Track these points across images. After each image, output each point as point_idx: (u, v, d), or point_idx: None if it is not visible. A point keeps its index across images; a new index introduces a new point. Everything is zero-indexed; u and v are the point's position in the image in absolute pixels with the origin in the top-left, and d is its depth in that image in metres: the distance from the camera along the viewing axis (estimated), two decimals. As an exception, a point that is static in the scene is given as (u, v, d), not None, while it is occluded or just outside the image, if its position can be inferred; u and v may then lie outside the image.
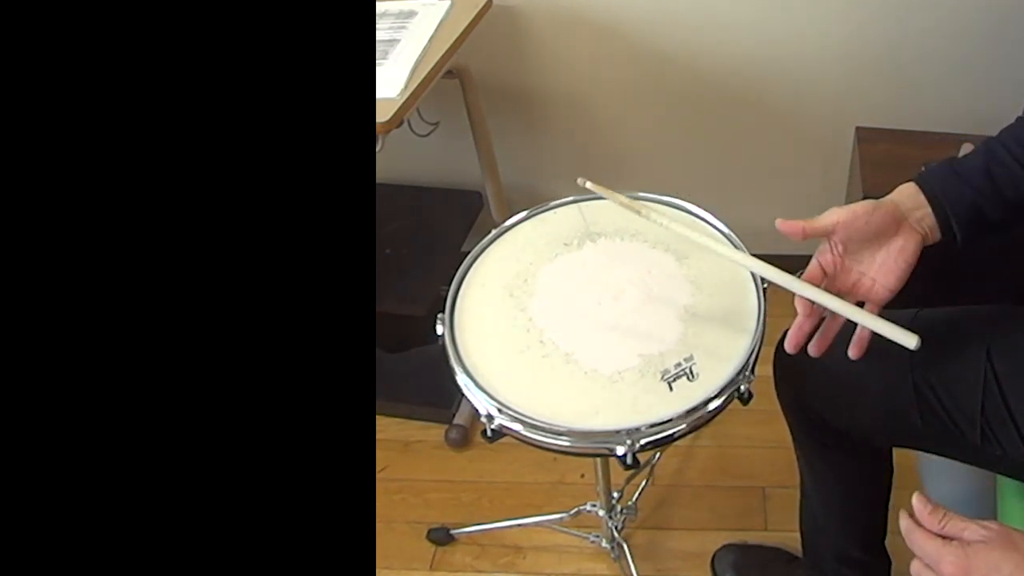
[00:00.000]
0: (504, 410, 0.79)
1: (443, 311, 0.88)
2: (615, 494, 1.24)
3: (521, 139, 1.67)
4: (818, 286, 0.75)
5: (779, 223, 0.75)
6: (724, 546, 1.29)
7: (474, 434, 1.53)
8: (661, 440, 0.77)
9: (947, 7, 1.37)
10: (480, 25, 1.33)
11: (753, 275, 0.88)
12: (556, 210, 1.01)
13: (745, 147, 1.62)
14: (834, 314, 0.75)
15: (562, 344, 0.84)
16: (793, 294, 0.75)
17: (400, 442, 1.56)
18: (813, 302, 0.74)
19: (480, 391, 0.80)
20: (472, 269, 0.94)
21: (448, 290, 0.91)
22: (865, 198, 1.39)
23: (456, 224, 1.59)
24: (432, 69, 1.18)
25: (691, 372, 0.80)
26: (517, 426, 0.79)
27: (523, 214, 1.00)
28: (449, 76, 1.35)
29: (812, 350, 0.78)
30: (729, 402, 0.79)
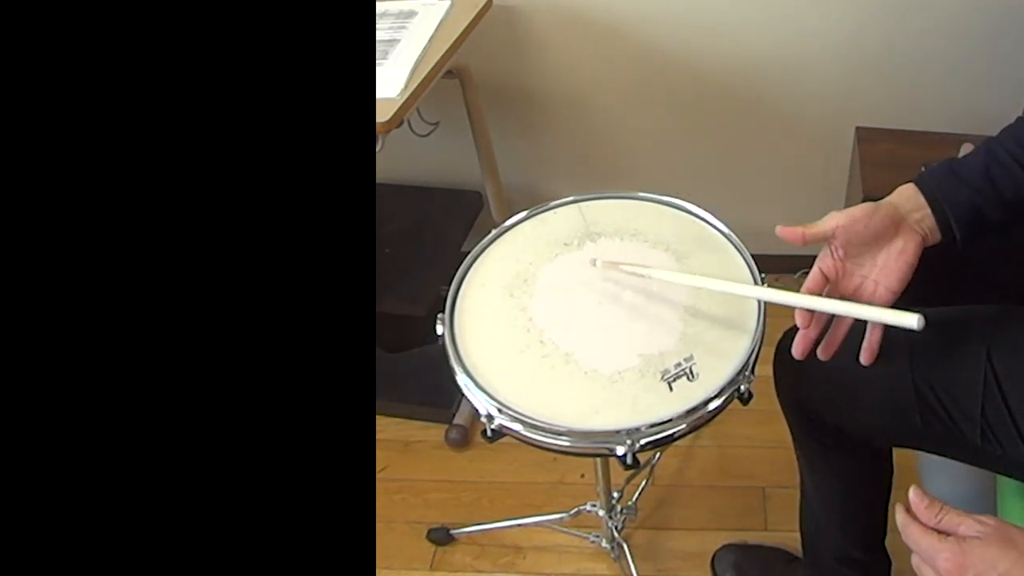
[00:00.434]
0: (504, 410, 0.79)
1: (443, 311, 0.88)
2: (615, 494, 1.24)
3: (521, 139, 1.67)
4: (821, 292, 0.76)
5: (779, 230, 0.75)
6: (724, 546, 1.29)
7: (474, 434, 1.53)
8: (661, 440, 0.77)
9: (947, 7, 1.37)
10: (480, 25, 1.33)
11: (753, 275, 0.88)
12: (556, 210, 1.01)
13: (745, 147, 1.62)
14: (838, 317, 0.76)
15: (562, 344, 0.84)
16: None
17: (400, 442, 1.56)
18: (815, 311, 0.75)
19: (480, 391, 0.80)
20: (472, 269, 0.94)
21: (448, 290, 0.91)
22: (865, 198, 1.40)
23: (456, 224, 1.59)
24: (432, 69, 1.18)
25: (691, 372, 0.80)
26: (517, 426, 0.79)
27: (523, 214, 1.00)
28: (449, 76, 1.35)
29: (821, 354, 0.79)
30: (729, 402, 0.79)
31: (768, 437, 1.45)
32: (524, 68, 1.56)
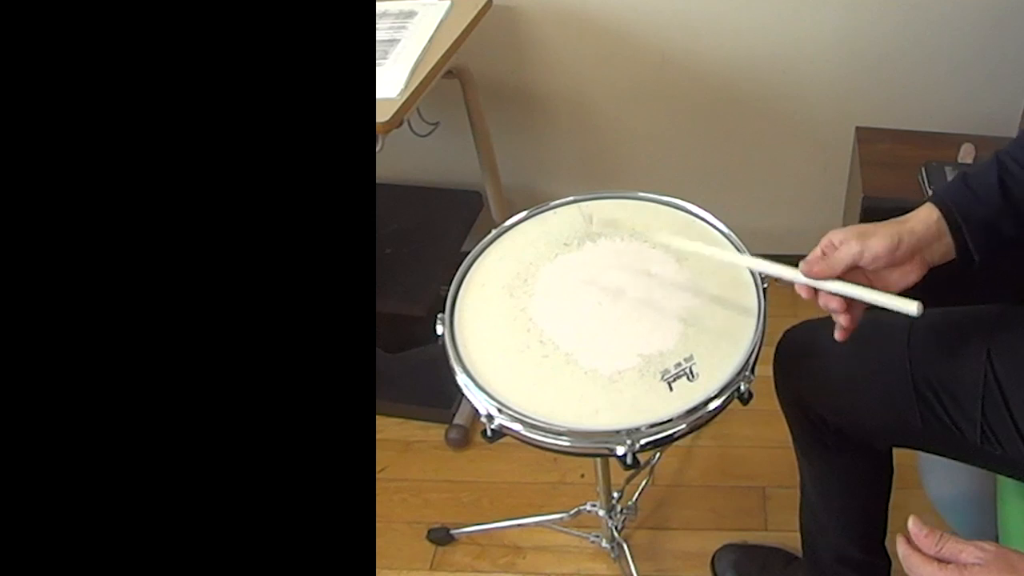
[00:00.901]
0: (504, 410, 0.79)
1: (443, 311, 0.88)
2: (615, 494, 1.24)
3: (521, 139, 1.67)
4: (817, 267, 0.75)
5: (802, 266, 0.75)
6: (724, 546, 1.29)
7: (474, 434, 1.53)
8: (661, 440, 0.77)
9: (947, 7, 1.37)
10: (480, 25, 1.33)
11: (753, 275, 0.88)
12: (556, 210, 1.01)
13: (745, 147, 1.62)
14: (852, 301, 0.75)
15: (562, 344, 0.84)
16: (798, 309, 0.75)
17: (400, 442, 1.56)
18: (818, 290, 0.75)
19: (480, 391, 0.80)
20: (472, 269, 0.94)
21: (448, 290, 0.91)
22: (865, 198, 1.40)
23: (456, 224, 1.59)
24: (432, 69, 1.18)
25: (691, 372, 0.80)
26: (517, 426, 0.79)
27: (523, 214, 1.00)
28: (449, 76, 1.35)
29: (838, 336, 0.77)
30: (729, 402, 0.79)
31: (768, 437, 1.45)
32: (524, 68, 1.56)
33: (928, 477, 1.34)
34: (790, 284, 0.77)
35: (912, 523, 0.62)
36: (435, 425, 1.56)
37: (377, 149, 1.09)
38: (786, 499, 1.36)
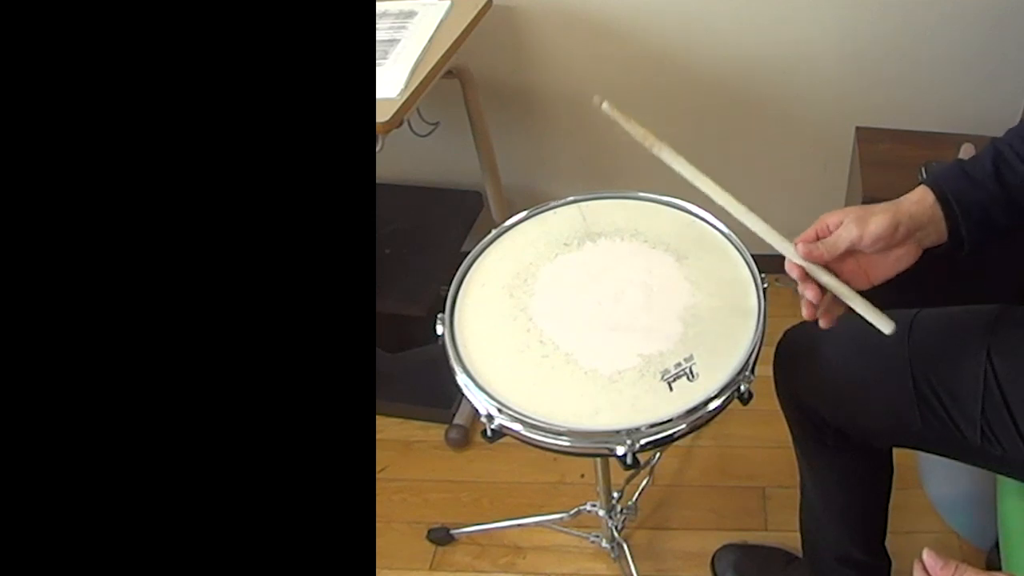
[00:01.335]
0: (504, 410, 0.79)
1: (443, 311, 0.88)
2: (615, 494, 1.24)
3: (521, 139, 1.67)
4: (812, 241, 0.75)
5: (800, 247, 0.74)
6: (724, 546, 1.29)
7: (474, 434, 1.53)
8: (661, 440, 0.77)
9: (947, 8, 1.37)
10: (480, 25, 1.33)
11: (753, 275, 0.88)
12: (556, 210, 1.01)
13: (745, 147, 1.62)
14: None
15: (562, 344, 0.84)
16: (795, 292, 0.75)
17: (400, 442, 1.56)
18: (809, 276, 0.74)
19: (480, 391, 0.80)
20: (472, 269, 0.94)
21: (448, 290, 0.91)
22: (865, 198, 1.40)
23: (456, 224, 1.59)
24: (432, 69, 1.18)
25: (691, 372, 0.80)
26: (517, 426, 0.79)
27: (523, 214, 1.00)
28: (449, 76, 1.35)
29: (822, 323, 0.76)
30: (729, 402, 0.79)
31: (768, 437, 1.45)
32: (524, 68, 1.56)
33: (928, 477, 1.34)
34: (790, 284, 0.77)
35: (927, 555, 0.61)
36: (435, 425, 1.56)
37: (377, 149, 1.09)
38: (786, 499, 1.36)
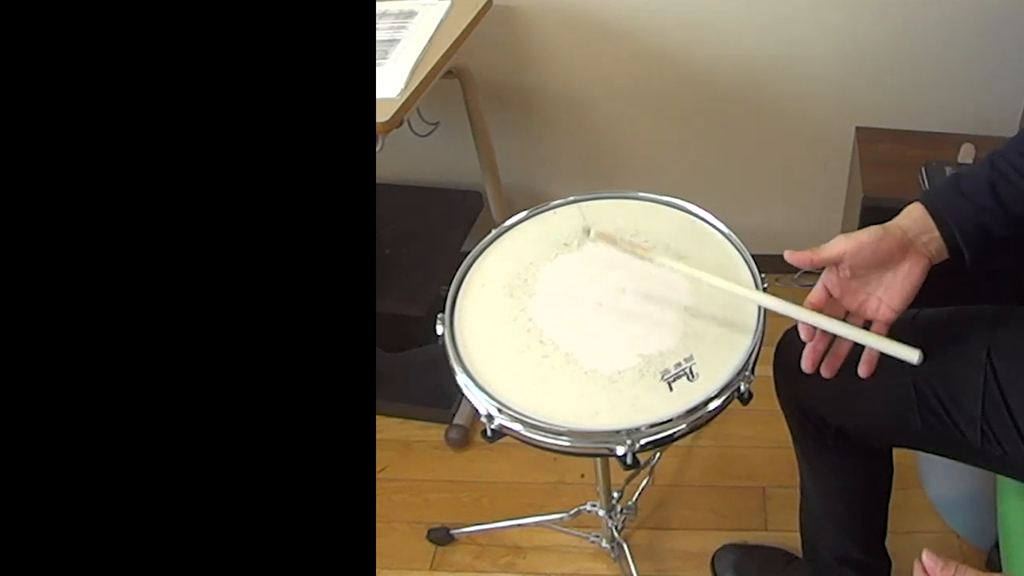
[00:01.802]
0: (504, 410, 0.79)
1: (443, 311, 0.88)
2: (615, 494, 1.24)
3: (521, 139, 1.67)
4: (824, 307, 0.77)
5: (787, 255, 0.76)
6: (724, 546, 1.29)
7: (474, 434, 1.53)
8: (661, 440, 0.77)
9: (947, 8, 1.37)
10: (480, 25, 1.33)
11: (753, 275, 0.88)
12: (556, 210, 1.01)
13: (745, 147, 1.62)
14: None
15: (562, 344, 0.84)
16: (794, 291, 0.75)
17: (400, 442, 1.56)
18: (816, 327, 0.76)
19: (480, 391, 0.80)
20: (472, 269, 0.94)
21: (448, 290, 0.91)
22: (865, 198, 1.40)
23: (456, 224, 1.59)
24: (432, 69, 1.18)
25: (691, 372, 0.80)
26: (517, 426, 0.79)
27: (523, 214, 1.00)
28: (449, 76, 1.35)
29: (824, 372, 0.80)
30: (729, 402, 0.79)
31: (768, 437, 1.45)
32: (524, 68, 1.56)
33: (928, 477, 1.34)
34: (790, 284, 0.77)
35: (927, 557, 0.61)
36: (435, 425, 1.56)
37: (377, 149, 1.09)
38: (786, 499, 1.36)
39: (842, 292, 0.77)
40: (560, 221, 0.99)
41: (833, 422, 0.90)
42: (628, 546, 1.26)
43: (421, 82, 1.16)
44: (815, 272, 0.79)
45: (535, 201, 1.02)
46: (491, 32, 1.46)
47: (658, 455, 1.43)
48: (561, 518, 1.30)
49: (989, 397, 0.77)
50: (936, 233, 0.74)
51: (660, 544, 1.35)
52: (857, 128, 1.49)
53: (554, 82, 1.58)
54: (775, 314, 0.80)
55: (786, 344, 0.93)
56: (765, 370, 0.87)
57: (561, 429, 0.77)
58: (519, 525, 1.36)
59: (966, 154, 1.34)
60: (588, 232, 0.89)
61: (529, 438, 0.79)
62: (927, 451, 0.89)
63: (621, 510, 1.26)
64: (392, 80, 1.15)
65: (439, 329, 0.87)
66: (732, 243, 0.93)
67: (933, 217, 0.74)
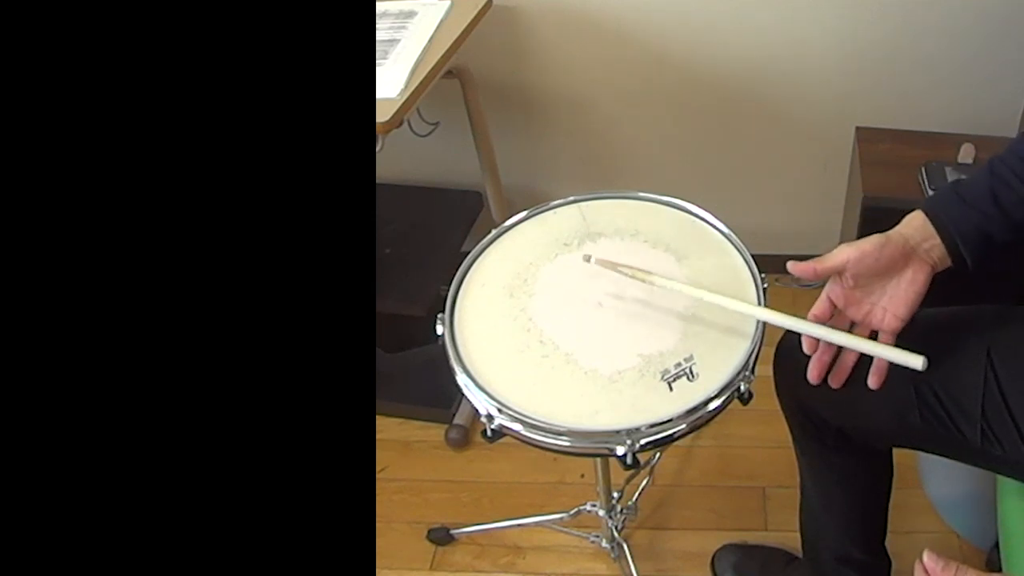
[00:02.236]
0: (504, 410, 0.79)
1: (443, 311, 0.88)
2: (615, 494, 1.24)
3: (521, 139, 1.67)
4: (828, 319, 0.78)
5: (790, 266, 0.76)
6: (724, 546, 1.29)
7: (474, 434, 1.53)
8: (661, 440, 0.77)
9: (947, 8, 1.37)
10: (480, 25, 1.33)
11: (753, 275, 0.88)
12: (556, 210, 1.01)
13: (745, 147, 1.62)
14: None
15: (562, 344, 0.84)
16: (798, 309, 0.76)
17: (400, 442, 1.56)
18: (820, 340, 0.77)
19: (480, 391, 0.80)
20: (472, 269, 0.94)
21: (448, 290, 0.91)
22: (865, 198, 1.40)
23: (456, 224, 1.59)
24: (432, 69, 1.18)
25: (691, 372, 0.80)
26: (517, 426, 0.79)
27: (523, 214, 1.00)
28: (449, 76, 1.35)
29: (832, 383, 0.81)
30: (729, 402, 0.79)
31: (768, 437, 1.45)
32: (524, 68, 1.56)
33: (928, 477, 1.34)
34: (790, 284, 0.78)
35: (927, 557, 0.61)
36: (435, 425, 1.56)
37: (377, 149, 1.09)
38: (786, 499, 1.36)
39: (846, 303, 0.77)
40: (560, 221, 0.99)
41: (833, 423, 0.90)
42: (628, 546, 1.26)
43: (421, 82, 1.16)
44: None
45: (535, 201, 1.02)
46: (491, 32, 1.46)
47: (658, 455, 1.43)
48: (561, 518, 1.30)
49: (989, 397, 0.77)
50: (938, 241, 0.74)
51: (660, 544, 1.35)
52: (857, 128, 1.49)
53: (554, 82, 1.58)
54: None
55: (786, 345, 0.93)
56: (765, 370, 0.87)
57: (561, 429, 0.77)
58: (519, 525, 1.36)
59: (966, 154, 1.34)
60: (589, 259, 0.89)
61: (529, 438, 0.79)
62: (927, 451, 0.89)
63: (621, 510, 1.26)
64: (392, 80, 1.15)
65: (439, 329, 0.87)
66: (732, 243, 0.93)
67: (934, 225, 0.74)
